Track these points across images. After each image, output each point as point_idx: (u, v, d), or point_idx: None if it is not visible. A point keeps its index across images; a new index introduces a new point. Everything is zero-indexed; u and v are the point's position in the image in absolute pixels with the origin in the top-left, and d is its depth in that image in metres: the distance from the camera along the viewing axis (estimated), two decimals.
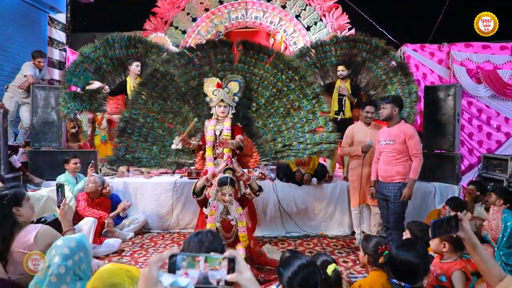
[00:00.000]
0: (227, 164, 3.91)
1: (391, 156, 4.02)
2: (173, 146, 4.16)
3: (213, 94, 4.31)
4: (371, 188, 4.32)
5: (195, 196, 3.82)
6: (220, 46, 4.59)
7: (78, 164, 5.04)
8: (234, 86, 4.38)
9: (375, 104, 4.67)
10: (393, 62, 5.56)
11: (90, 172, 4.83)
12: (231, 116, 4.28)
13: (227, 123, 4.20)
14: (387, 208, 4.16)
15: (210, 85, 4.36)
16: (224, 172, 3.81)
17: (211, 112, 4.30)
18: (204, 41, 5.23)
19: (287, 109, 4.60)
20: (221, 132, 4.22)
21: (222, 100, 4.22)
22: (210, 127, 4.25)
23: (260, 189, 3.90)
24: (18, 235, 2.33)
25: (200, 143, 4.37)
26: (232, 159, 4.06)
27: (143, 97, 4.72)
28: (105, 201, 4.79)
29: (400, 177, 3.99)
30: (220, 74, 4.56)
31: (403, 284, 1.97)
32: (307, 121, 4.54)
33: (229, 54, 4.60)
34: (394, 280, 2.00)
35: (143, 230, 5.28)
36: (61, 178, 4.94)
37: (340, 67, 5.32)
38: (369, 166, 4.53)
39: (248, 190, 3.85)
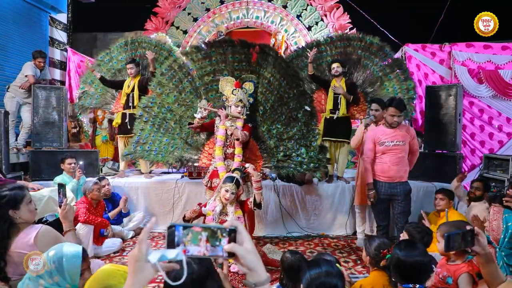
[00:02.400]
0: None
1: (400, 156, 4.05)
2: (200, 104, 4.23)
3: (232, 93, 4.27)
4: (371, 192, 4.12)
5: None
6: (239, 46, 4.59)
7: (73, 165, 4.99)
8: (250, 87, 4.38)
9: (382, 102, 4.61)
10: (389, 59, 5.56)
11: (79, 174, 4.80)
12: (245, 117, 4.26)
13: (239, 123, 4.18)
14: (389, 208, 4.15)
15: (228, 84, 4.33)
16: (232, 172, 3.82)
17: (226, 112, 4.28)
18: (223, 39, 5.25)
19: (288, 118, 4.58)
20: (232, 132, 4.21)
21: (240, 101, 4.21)
22: (221, 126, 4.22)
23: (260, 206, 3.71)
24: (18, 236, 2.32)
25: (202, 123, 4.30)
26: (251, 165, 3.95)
27: (161, 86, 4.86)
28: (101, 203, 4.65)
29: (407, 175, 4.13)
30: (236, 74, 4.57)
31: (418, 286, 1.94)
32: (303, 134, 4.54)
33: (247, 54, 4.60)
34: (409, 285, 1.96)
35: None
36: (57, 179, 4.93)
37: (335, 64, 5.27)
38: None
39: (252, 199, 3.75)
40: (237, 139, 4.13)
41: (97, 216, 4.40)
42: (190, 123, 4.32)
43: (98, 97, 6.11)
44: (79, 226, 4.19)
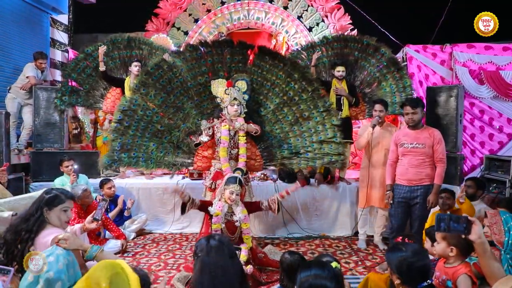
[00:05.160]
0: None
1: (420, 159, 3.96)
2: (202, 127, 4.18)
3: (225, 93, 4.27)
4: (388, 192, 4.19)
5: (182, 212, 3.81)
6: (237, 47, 4.58)
7: (70, 167, 4.95)
8: (243, 85, 4.35)
9: (385, 103, 4.65)
10: (384, 58, 5.55)
11: (73, 178, 4.75)
12: (244, 115, 4.28)
13: (241, 122, 4.20)
14: (406, 213, 4.08)
15: (220, 86, 4.32)
16: (233, 172, 3.85)
17: (223, 112, 4.29)
18: (223, 40, 5.14)
19: (295, 118, 4.60)
20: (236, 132, 4.23)
21: (235, 99, 4.20)
22: (223, 127, 4.23)
23: (279, 208, 3.92)
24: (40, 234, 2.36)
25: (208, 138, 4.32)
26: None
27: (145, 87, 4.47)
28: (91, 205, 4.51)
29: (429, 179, 3.97)
30: (232, 74, 4.53)
31: (429, 281, 1.94)
32: (316, 131, 4.55)
33: (244, 55, 4.61)
34: (423, 284, 1.94)
35: (144, 231, 5.28)
36: (57, 181, 4.92)
37: (340, 68, 5.26)
38: (379, 167, 4.50)
39: (274, 205, 3.86)
40: (255, 133, 4.25)
41: None
42: (196, 144, 4.38)
43: (83, 94, 5.79)
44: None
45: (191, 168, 4.96)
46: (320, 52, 5.41)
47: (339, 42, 5.68)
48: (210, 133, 4.25)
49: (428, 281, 1.91)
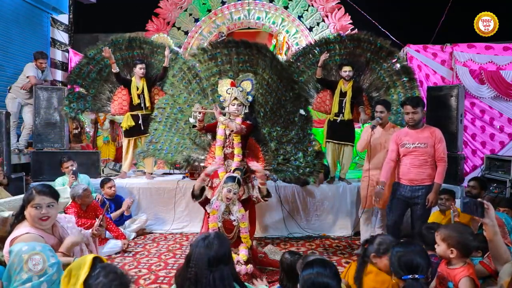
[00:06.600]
0: (227, 171, 4.01)
1: (422, 159, 3.91)
2: (193, 109, 4.25)
3: (226, 92, 4.28)
4: (377, 189, 4.05)
5: (194, 199, 3.79)
6: (241, 47, 4.61)
7: (70, 168, 4.95)
8: (247, 85, 4.34)
9: (387, 104, 4.55)
10: (397, 65, 5.48)
11: (71, 180, 4.74)
12: (243, 115, 4.24)
13: (237, 122, 4.15)
14: (403, 211, 4.05)
15: (224, 85, 4.35)
16: (233, 172, 3.85)
17: (224, 111, 4.29)
18: (227, 40, 5.16)
19: (286, 120, 4.57)
20: (230, 132, 4.22)
21: (235, 98, 4.19)
22: (220, 126, 4.21)
23: (269, 194, 3.86)
24: (13, 231, 2.37)
25: (205, 125, 4.33)
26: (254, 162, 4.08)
27: (172, 88, 4.98)
28: (93, 208, 4.56)
29: (430, 179, 3.92)
30: (241, 74, 4.55)
31: (417, 276, 1.94)
32: (300, 138, 4.52)
33: (250, 55, 4.63)
34: (408, 276, 1.96)
35: (145, 231, 5.28)
36: (59, 180, 4.93)
37: (347, 68, 5.20)
38: (380, 169, 4.49)
39: (256, 194, 3.80)
40: (231, 131, 4.13)
41: (88, 219, 4.38)
42: (194, 126, 4.36)
43: (90, 99, 5.75)
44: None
45: (202, 164, 4.95)
46: (327, 54, 5.37)
47: (353, 41, 5.58)
48: (200, 117, 4.19)
49: (416, 276, 1.93)
